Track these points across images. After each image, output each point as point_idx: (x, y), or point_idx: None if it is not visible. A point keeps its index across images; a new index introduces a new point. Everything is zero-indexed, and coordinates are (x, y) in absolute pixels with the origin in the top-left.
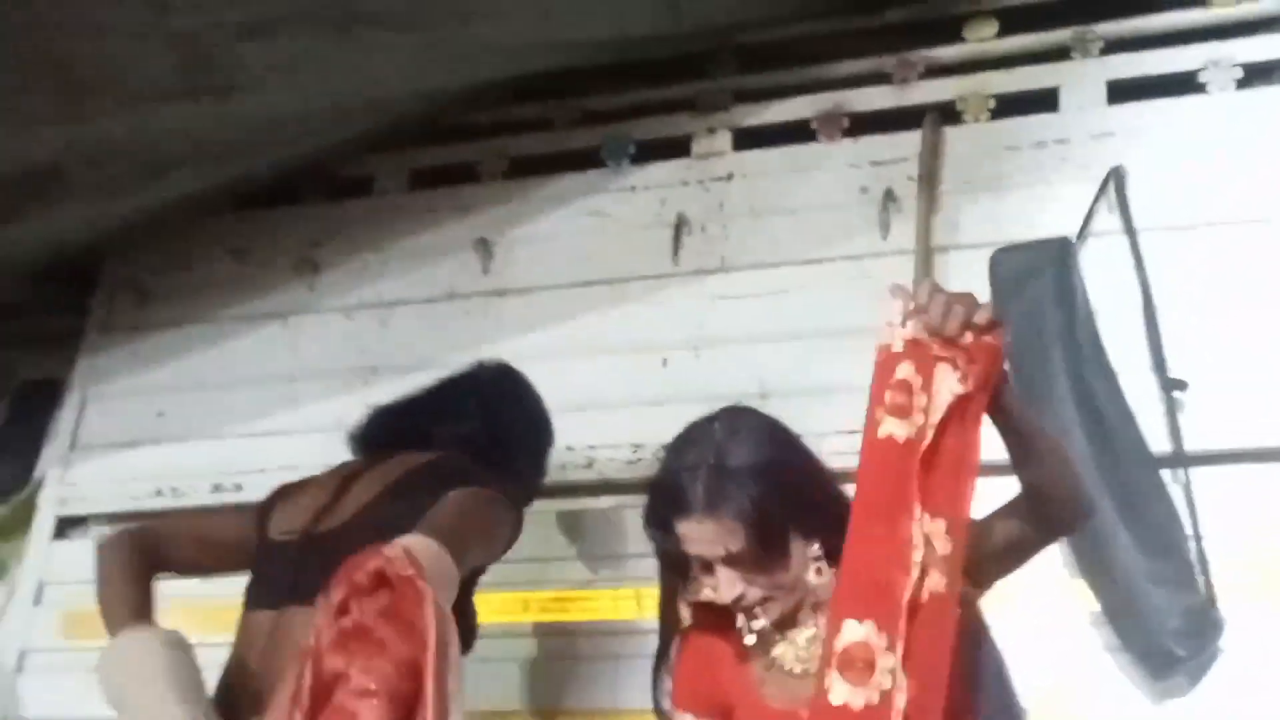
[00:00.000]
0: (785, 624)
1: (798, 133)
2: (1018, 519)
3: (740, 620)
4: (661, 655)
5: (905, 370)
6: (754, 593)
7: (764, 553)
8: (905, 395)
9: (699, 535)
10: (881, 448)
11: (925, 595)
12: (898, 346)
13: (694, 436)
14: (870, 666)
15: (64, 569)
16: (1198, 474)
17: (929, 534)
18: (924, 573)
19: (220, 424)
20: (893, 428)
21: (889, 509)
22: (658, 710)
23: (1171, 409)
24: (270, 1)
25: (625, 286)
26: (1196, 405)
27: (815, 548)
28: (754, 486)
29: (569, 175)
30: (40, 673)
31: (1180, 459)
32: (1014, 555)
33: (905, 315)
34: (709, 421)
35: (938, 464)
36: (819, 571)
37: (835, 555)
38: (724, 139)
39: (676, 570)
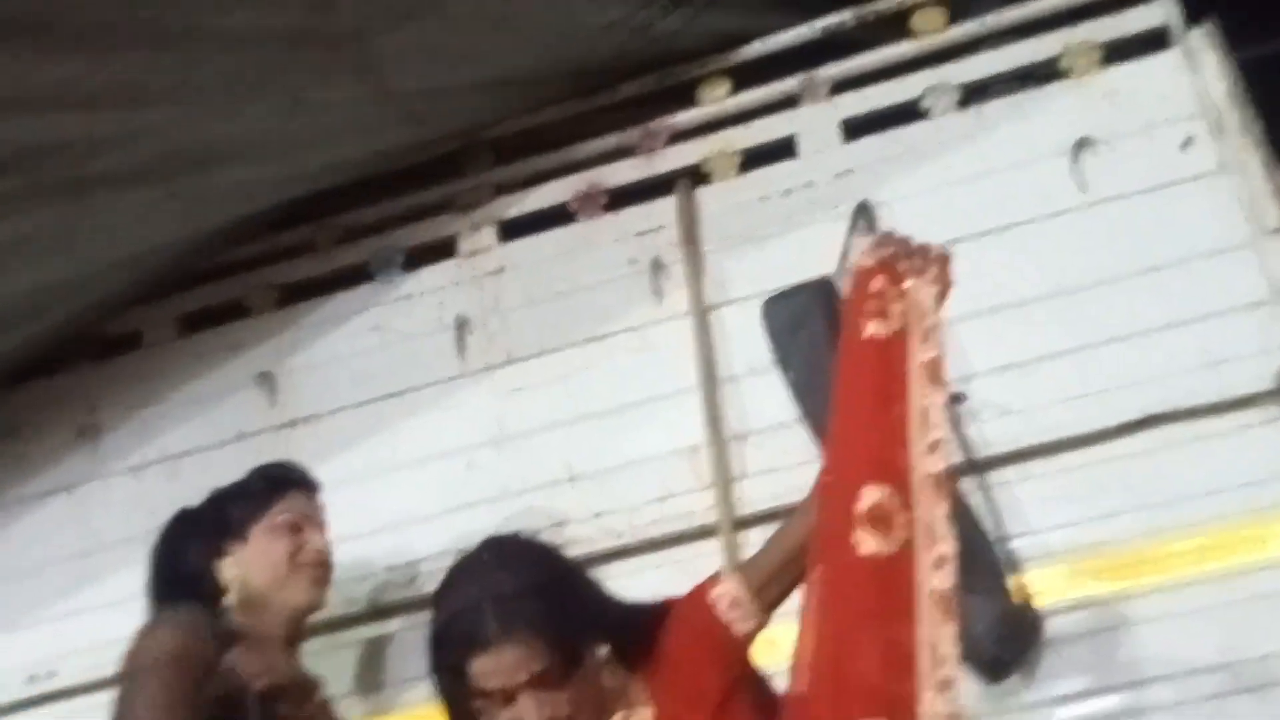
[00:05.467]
0: None
1: (560, 216)
2: None
3: None
4: None
5: (878, 283)
6: (561, 710)
7: (565, 667)
8: (881, 302)
9: (498, 666)
10: (865, 347)
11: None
12: (870, 263)
13: (465, 573)
14: (890, 522)
15: None
16: (995, 477)
17: (927, 406)
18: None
19: (19, 613)
20: (874, 329)
21: (880, 396)
22: None
23: (957, 421)
24: None
25: (416, 395)
26: (984, 412)
27: (604, 650)
28: (542, 603)
29: (341, 294)
30: None
31: (975, 466)
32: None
33: (875, 245)
34: (475, 556)
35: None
36: (612, 673)
37: (621, 654)
38: (490, 234)
39: (471, 717)
